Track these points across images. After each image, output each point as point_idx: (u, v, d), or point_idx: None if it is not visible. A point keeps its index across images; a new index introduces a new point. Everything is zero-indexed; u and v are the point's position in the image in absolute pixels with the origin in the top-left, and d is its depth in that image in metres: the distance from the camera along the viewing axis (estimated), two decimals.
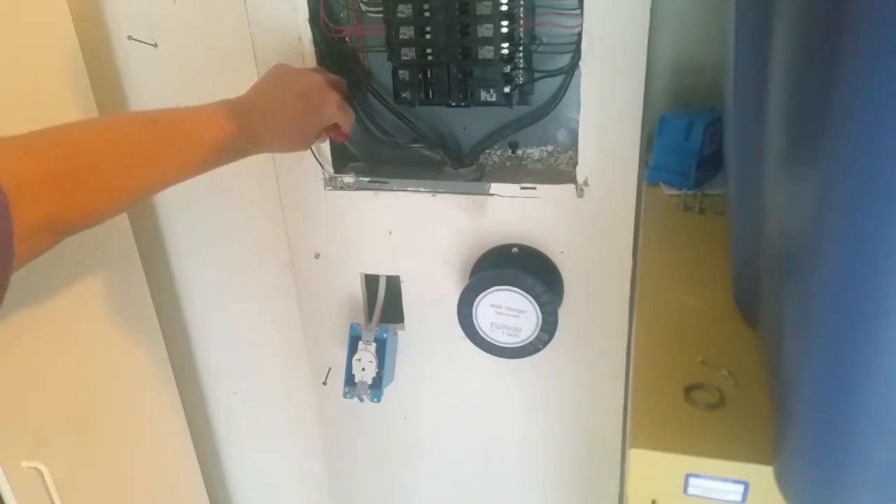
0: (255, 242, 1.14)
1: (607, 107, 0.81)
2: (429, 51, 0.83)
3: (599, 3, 0.76)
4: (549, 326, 0.87)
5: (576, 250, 0.90)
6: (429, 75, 0.84)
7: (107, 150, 0.60)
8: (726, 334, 0.57)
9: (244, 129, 0.71)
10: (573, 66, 0.82)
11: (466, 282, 0.92)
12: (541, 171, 0.92)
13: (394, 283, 1.00)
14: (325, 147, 0.93)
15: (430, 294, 0.98)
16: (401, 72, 0.85)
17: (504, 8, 0.79)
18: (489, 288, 0.87)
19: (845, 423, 0.37)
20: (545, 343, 0.88)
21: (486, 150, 0.94)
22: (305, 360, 1.12)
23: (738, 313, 0.59)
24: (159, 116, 0.64)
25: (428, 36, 0.82)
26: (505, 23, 0.80)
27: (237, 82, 0.98)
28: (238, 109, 0.71)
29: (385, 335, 0.99)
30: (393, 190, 0.93)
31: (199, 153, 0.67)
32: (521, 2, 0.81)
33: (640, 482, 0.48)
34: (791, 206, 0.41)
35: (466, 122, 0.92)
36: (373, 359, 0.98)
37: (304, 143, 0.80)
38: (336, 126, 0.82)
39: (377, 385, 0.99)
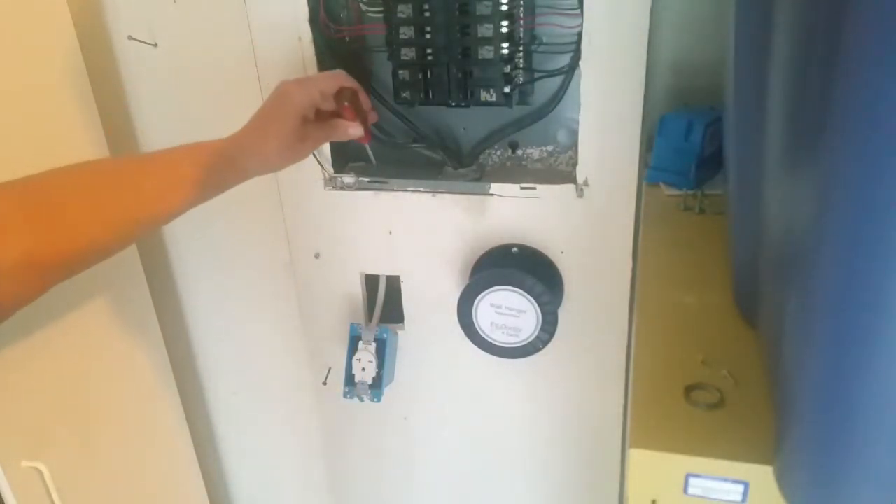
0: (255, 242, 1.14)
1: (607, 107, 0.81)
2: (429, 51, 0.83)
3: (599, 3, 0.76)
4: (549, 326, 0.87)
5: (576, 250, 0.90)
6: (429, 75, 0.84)
7: (79, 179, 0.59)
8: (726, 334, 0.57)
9: (226, 145, 0.69)
10: (573, 66, 0.82)
11: (466, 282, 0.92)
12: (541, 171, 0.92)
13: (394, 283, 1.00)
14: (326, 147, 0.93)
15: (430, 294, 0.98)
16: (401, 72, 0.85)
17: (504, 8, 0.79)
18: (489, 288, 0.87)
19: (845, 423, 0.37)
20: (545, 343, 0.88)
21: (486, 150, 0.94)
22: (305, 360, 1.12)
23: (738, 313, 0.59)
24: (135, 154, 0.64)
25: (428, 36, 0.82)
26: (505, 23, 0.80)
27: (237, 82, 0.99)
28: (218, 143, 0.70)
29: (385, 335, 0.99)
30: (393, 190, 0.93)
31: (177, 175, 0.66)
32: (521, 2, 0.81)
33: (640, 482, 0.48)
34: (791, 205, 0.41)
35: (466, 122, 0.92)
36: (373, 359, 0.98)
37: (282, 142, 0.71)
38: (335, 125, 0.76)
39: (377, 385, 0.99)
